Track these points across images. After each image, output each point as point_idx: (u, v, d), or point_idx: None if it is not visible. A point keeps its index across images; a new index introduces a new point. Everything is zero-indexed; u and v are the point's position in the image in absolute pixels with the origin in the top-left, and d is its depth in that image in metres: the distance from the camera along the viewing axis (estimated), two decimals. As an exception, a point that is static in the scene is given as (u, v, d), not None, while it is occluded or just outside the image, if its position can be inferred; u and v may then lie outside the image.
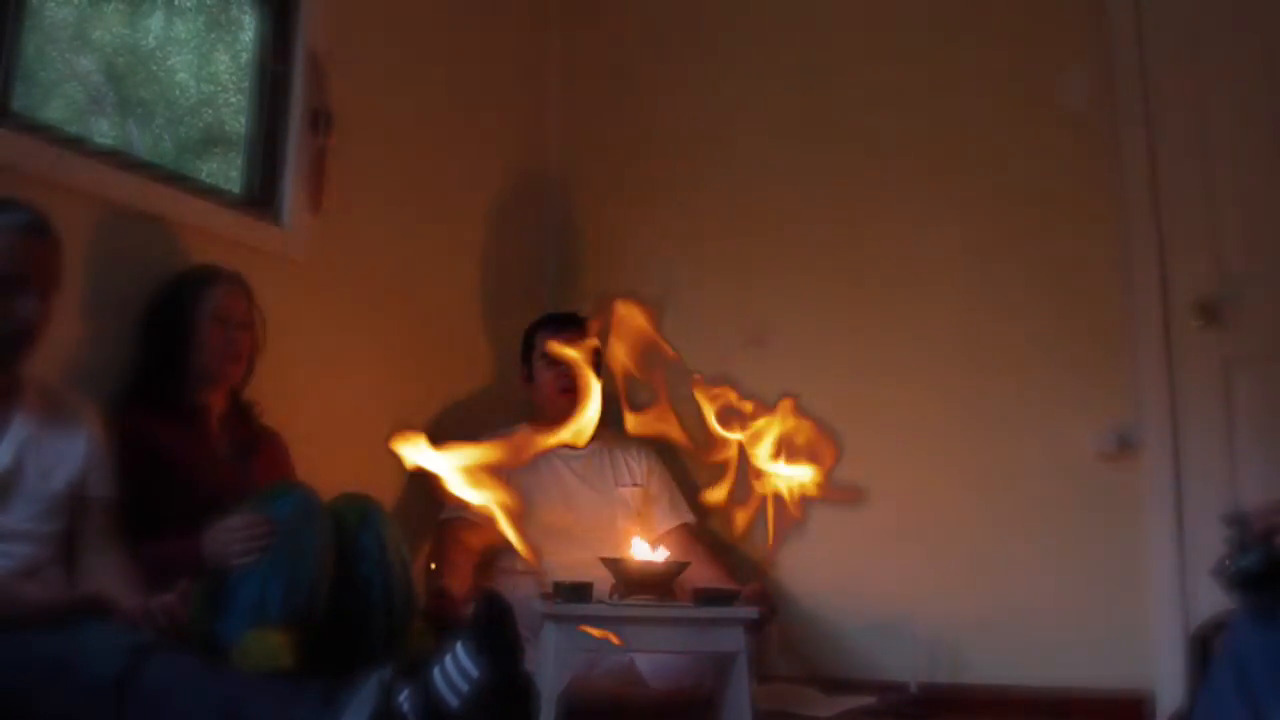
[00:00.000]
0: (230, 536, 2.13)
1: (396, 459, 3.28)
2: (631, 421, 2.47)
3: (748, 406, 2.43)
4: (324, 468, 2.63)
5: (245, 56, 3.06)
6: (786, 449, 2.43)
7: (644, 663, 2.81)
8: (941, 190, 3.46)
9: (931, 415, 3.39)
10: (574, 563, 2.88)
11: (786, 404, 2.45)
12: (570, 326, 3.32)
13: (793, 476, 2.40)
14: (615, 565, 2.57)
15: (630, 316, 2.39)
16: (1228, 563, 1.68)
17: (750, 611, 2.47)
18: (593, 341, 2.60)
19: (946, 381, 3.39)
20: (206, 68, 3.07)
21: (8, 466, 1.98)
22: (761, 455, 2.41)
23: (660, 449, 3.48)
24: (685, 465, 3.53)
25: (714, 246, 3.74)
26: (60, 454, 2.07)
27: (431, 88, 3.52)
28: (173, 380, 2.47)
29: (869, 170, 3.57)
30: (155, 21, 2.93)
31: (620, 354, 2.37)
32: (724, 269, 3.71)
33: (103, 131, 2.75)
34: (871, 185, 3.56)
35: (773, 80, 3.76)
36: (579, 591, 2.46)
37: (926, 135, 3.51)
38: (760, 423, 2.42)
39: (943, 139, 3.49)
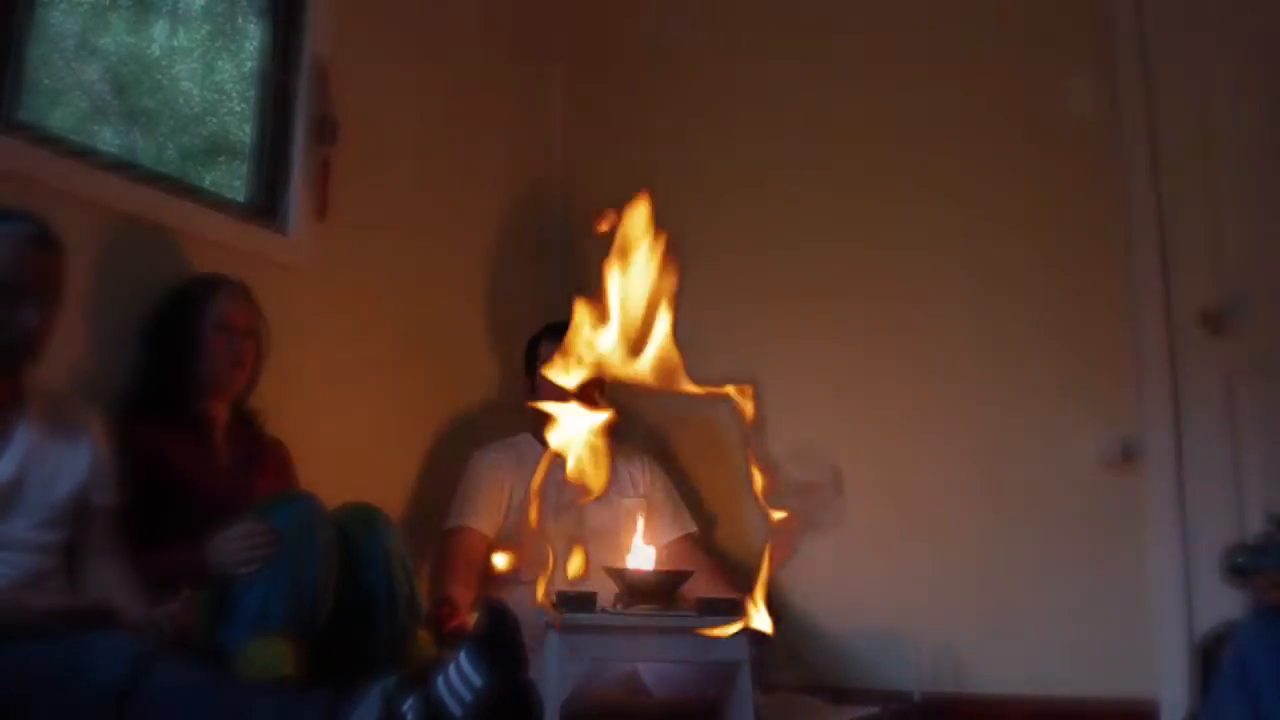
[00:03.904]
0: (234, 545, 2.13)
1: (401, 466, 3.30)
2: None
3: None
4: (328, 476, 2.63)
5: (250, 65, 3.07)
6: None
7: (647, 672, 2.81)
8: (944, 200, 3.46)
9: (935, 424, 3.39)
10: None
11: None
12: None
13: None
14: (619, 574, 2.57)
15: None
16: (1238, 557, 1.70)
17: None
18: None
19: (950, 391, 3.39)
20: (211, 76, 3.07)
21: (11, 476, 1.98)
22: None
23: (663, 459, 3.48)
24: (688, 476, 3.53)
25: (716, 261, 3.74)
26: (64, 463, 2.07)
27: (436, 96, 3.53)
28: (177, 389, 2.47)
29: (871, 184, 3.57)
30: (160, 30, 2.93)
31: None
32: (726, 284, 3.71)
33: (107, 140, 2.76)
34: (874, 199, 3.56)
35: (774, 98, 3.75)
36: (582, 601, 2.46)
37: (928, 145, 3.51)
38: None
39: (945, 149, 3.49)
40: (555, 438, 2.29)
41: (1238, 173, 3.17)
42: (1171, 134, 3.25)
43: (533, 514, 2.23)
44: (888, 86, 3.60)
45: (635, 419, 3.59)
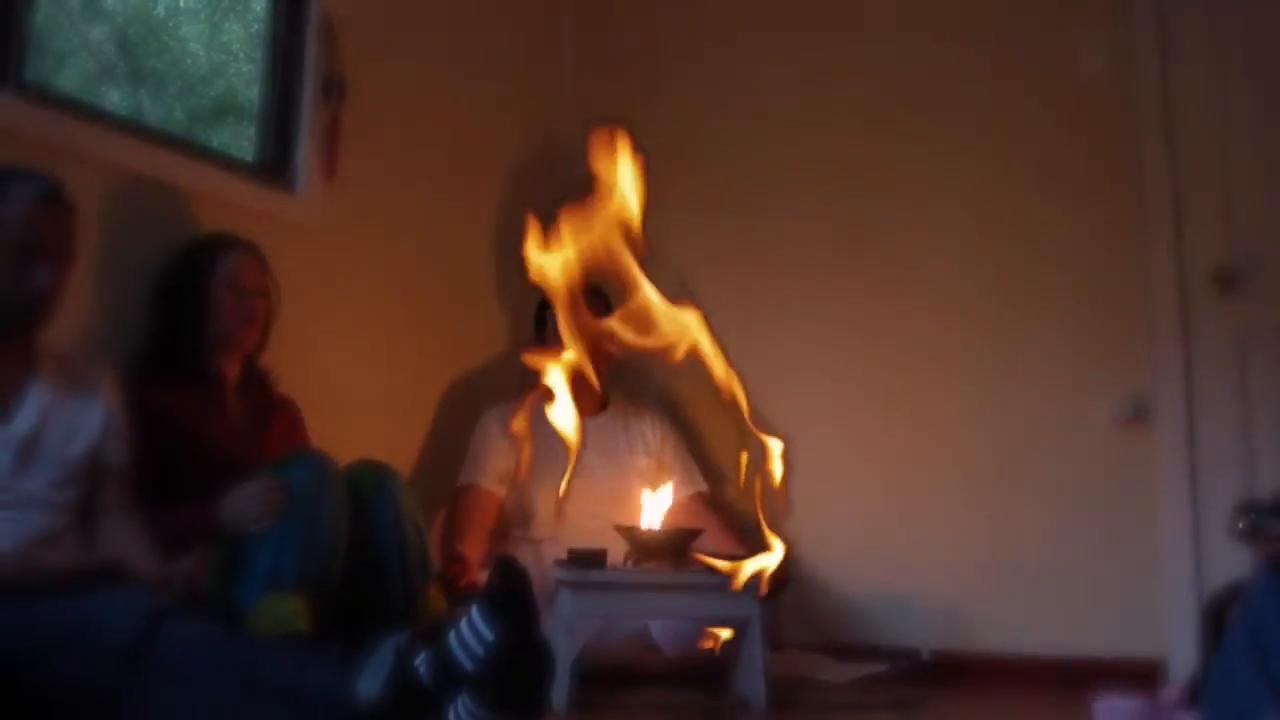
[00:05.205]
0: (246, 502, 2.15)
1: (411, 425, 3.30)
2: None
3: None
4: (339, 434, 2.64)
5: (257, 26, 3.06)
6: None
7: (657, 629, 2.83)
8: (956, 159, 3.45)
9: (944, 383, 3.39)
10: (588, 531, 2.89)
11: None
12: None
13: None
14: (629, 533, 2.58)
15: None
16: (1250, 514, 1.70)
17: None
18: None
19: (959, 350, 3.39)
20: (218, 37, 3.06)
21: (29, 432, 1.99)
22: None
23: (674, 418, 3.49)
24: (698, 434, 3.54)
25: (726, 216, 3.73)
26: (79, 421, 2.08)
27: (445, 53, 3.50)
28: (187, 348, 2.47)
29: (880, 141, 3.55)
30: (166, -10, 2.92)
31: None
32: (734, 238, 3.70)
33: (114, 102, 2.75)
34: (885, 152, 3.54)
35: (783, 51, 3.73)
36: (593, 558, 2.47)
37: (940, 102, 3.49)
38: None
39: (957, 106, 3.47)
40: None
41: (1252, 131, 3.15)
42: (1186, 91, 3.22)
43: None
44: (898, 43, 3.57)
45: (645, 377, 3.60)
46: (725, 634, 2.66)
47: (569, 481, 2.42)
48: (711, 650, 2.75)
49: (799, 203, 3.63)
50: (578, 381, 3.23)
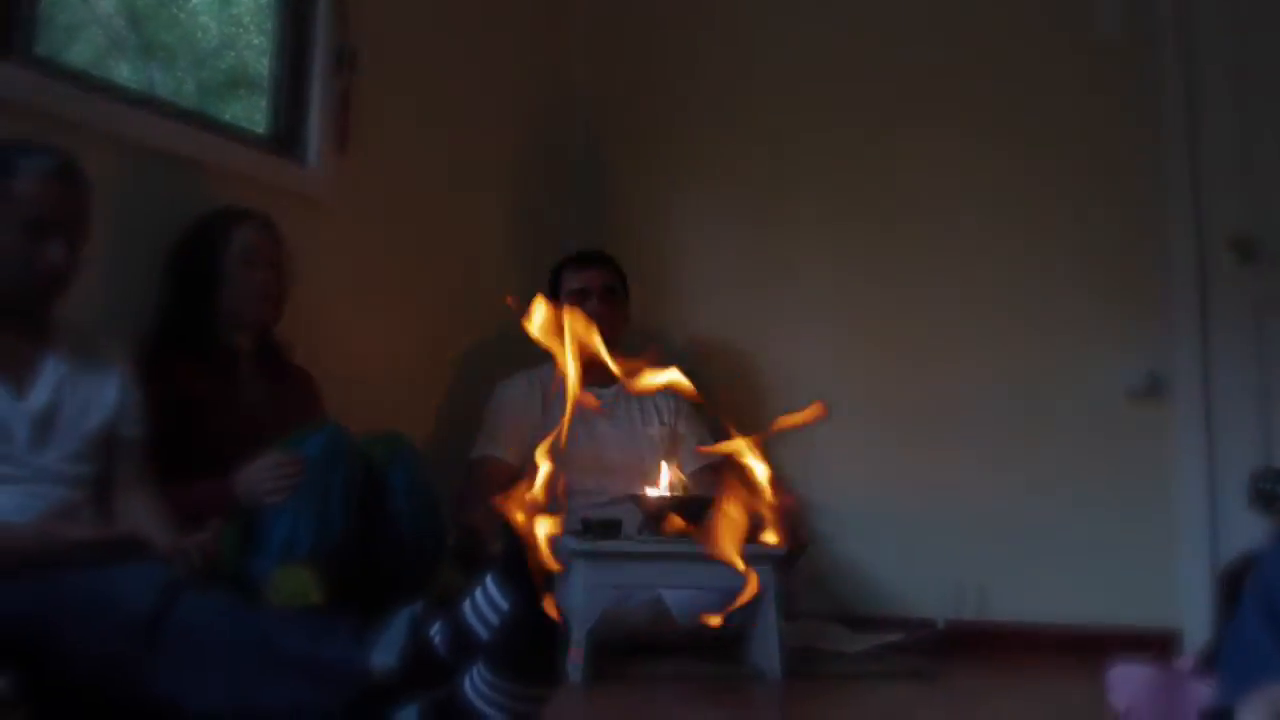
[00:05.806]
0: (261, 476, 2.16)
1: (425, 395, 3.29)
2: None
3: None
4: (353, 406, 2.64)
5: (267, -3, 3.05)
6: None
7: (671, 599, 2.83)
8: (972, 125, 3.42)
9: (961, 354, 3.38)
10: (603, 502, 2.89)
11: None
12: (594, 263, 3.32)
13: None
14: (640, 502, 2.58)
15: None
16: (1265, 482, 1.69)
17: (778, 548, 2.47)
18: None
19: (976, 321, 3.37)
20: (228, 9, 3.05)
21: (45, 407, 1.99)
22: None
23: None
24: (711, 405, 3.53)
25: (740, 182, 3.72)
26: (93, 396, 2.08)
27: (456, 22, 3.48)
28: (201, 322, 2.47)
29: (899, 104, 3.53)
30: (176, -37, 2.91)
31: None
32: (749, 205, 3.69)
33: (125, 75, 2.74)
34: (902, 119, 3.52)
35: (803, 12, 3.70)
36: (608, 528, 2.48)
37: (957, 66, 3.46)
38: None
39: (974, 70, 3.44)
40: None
41: (1274, 96, 3.12)
42: (1206, 55, 3.19)
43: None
44: (917, 5, 3.54)
45: (663, 350, 3.60)
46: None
47: (546, 447, 2.35)
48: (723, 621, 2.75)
49: (816, 165, 3.61)
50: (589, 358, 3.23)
